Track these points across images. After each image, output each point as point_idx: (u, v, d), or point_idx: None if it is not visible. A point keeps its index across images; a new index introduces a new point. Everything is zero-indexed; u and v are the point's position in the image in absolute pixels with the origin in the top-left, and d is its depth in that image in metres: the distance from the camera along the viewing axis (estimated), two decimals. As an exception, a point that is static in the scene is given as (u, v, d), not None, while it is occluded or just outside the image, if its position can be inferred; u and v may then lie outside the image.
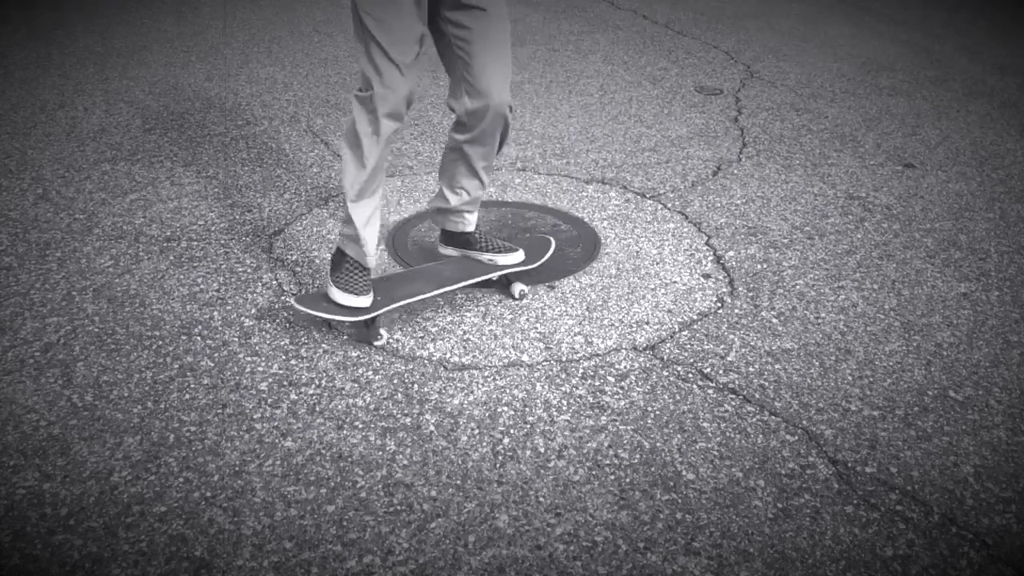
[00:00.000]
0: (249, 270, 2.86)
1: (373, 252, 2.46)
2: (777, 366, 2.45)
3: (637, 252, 3.04)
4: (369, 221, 2.43)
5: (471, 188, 2.60)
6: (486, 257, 2.70)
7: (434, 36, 2.39)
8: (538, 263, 2.76)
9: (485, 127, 2.42)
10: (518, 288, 2.74)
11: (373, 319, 2.48)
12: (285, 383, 2.33)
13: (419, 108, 4.33)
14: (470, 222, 2.69)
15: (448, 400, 2.28)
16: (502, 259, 2.70)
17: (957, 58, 5.38)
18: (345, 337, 2.52)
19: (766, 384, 2.38)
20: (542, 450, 2.12)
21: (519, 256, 2.71)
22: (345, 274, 2.45)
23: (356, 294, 2.43)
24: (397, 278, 2.64)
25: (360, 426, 2.19)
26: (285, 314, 2.63)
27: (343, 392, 2.30)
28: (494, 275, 2.70)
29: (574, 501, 1.98)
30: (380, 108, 2.26)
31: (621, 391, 2.34)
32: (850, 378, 2.42)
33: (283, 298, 2.71)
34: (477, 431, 2.18)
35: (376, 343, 2.48)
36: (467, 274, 2.65)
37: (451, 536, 1.88)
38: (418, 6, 2.25)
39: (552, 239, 2.89)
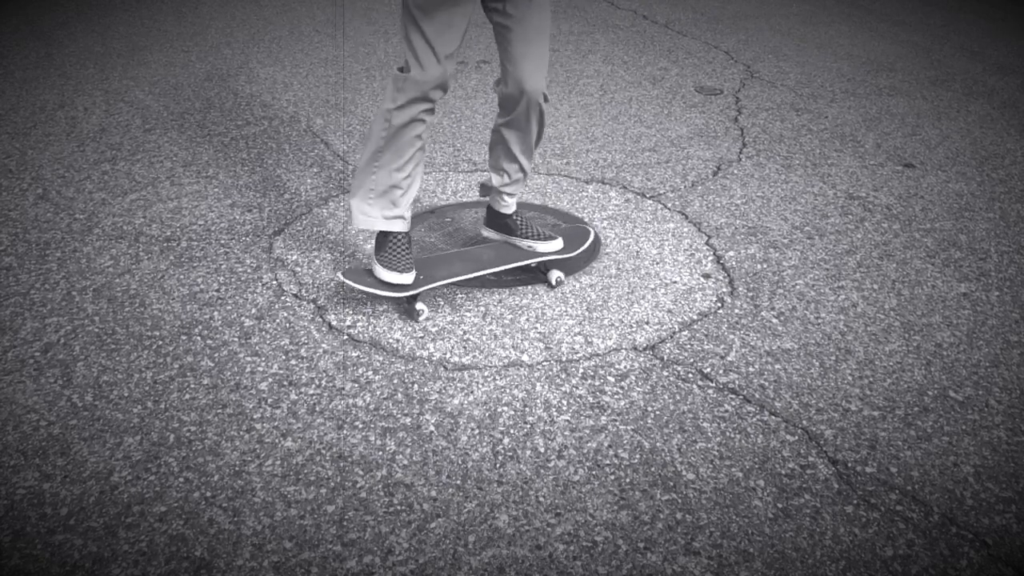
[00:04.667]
0: (249, 270, 2.86)
1: (397, 215, 2.58)
2: (777, 366, 2.45)
3: (637, 252, 3.04)
4: (390, 190, 2.53)
5: (511, 171, 2.70)
6: (526, 244, 2.79)
7: (490, 20, 2.51)
8: (576, 252, 2.81)
9: (519, 112, 2.52)
10: (555, 276, 2.79)
11: (415, 296, 2.60)
12: (285, 383, 2.33)
13: (419, 108, 4.33)
14: (509, 204, 2.77)
15: (448, 400, 2.28)
16: (541, 246, 2.78)
17: (957, 58, 5.39)
18: (345, 337, 2.52)
19: (766, 384, 2.38)
20: (542, 450, 2.12)
21: (557, 244, 2.79)
22: (389, 252, 2.57)
23: (399, 271, 2.55)
24: (439, 259, 2.72)
25: (360, 426, 2.19)
26: (285, 314, 2.63)
27: (343, 392, 2.30)
28: (532, 261, 2.76)
29: (574, 501, 1.98)
30: (410, 90, 2.38)
31: (621, 391, 2.34)
32: (850, 378, 2.42)
33: (283, 298, 2.71)
34: (477, 431, 2.18)
35: (420, 319, 2.58)
36: (506, 259, 2.74)
37: (451, 536, 1.88)
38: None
39: (591, 229, 2.95)
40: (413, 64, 2.36)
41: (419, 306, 2.60)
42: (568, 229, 2.96)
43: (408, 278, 2.55)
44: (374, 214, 2.56)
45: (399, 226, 2.57)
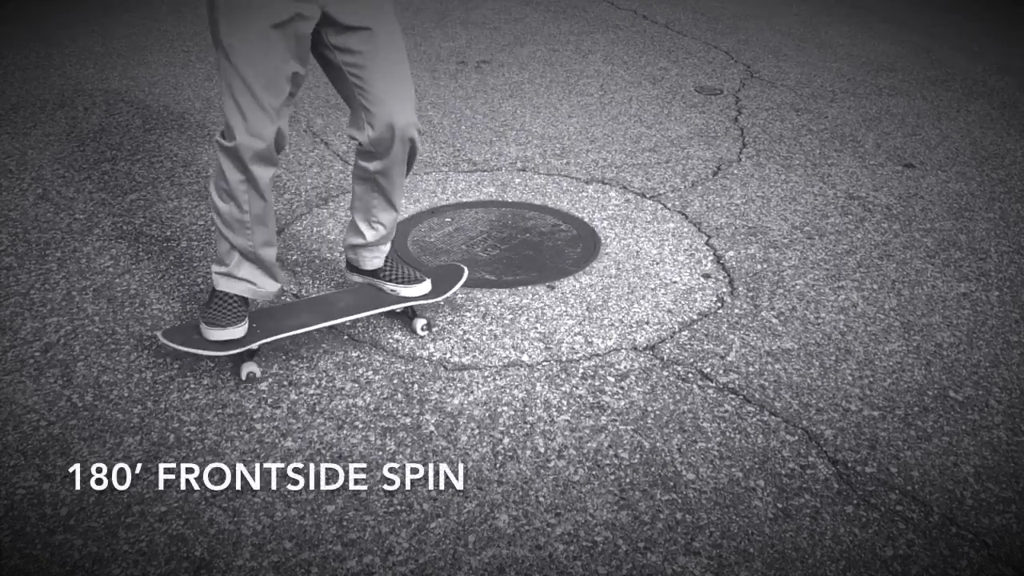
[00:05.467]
0: (249, 270, 2.86)
1: (273, 286, 2.38)
2: (777, 366, 2.45)
3: (637, 252, 3.04)
4: (250, 259, 2.31)
5: (387, 221, 2.45)
6: (389, 287, 2.51)
7: (323, 66, 2.23)
8: (444, 296, 2.54)
9: (395, 154, 2.27)
10: (420, 323, 2.52)
11: (251, 353, 2.33)
12: (285, 383, 2.33)
13: (420, 106, 4.33)
14: (383, 253, 2.52)
15: (448, 400, 2.28)
16: (405, 290, 2.50)
17: (957, 58, 5.39)
18: (346, 337, 2.52)
19: (766, 384, 2.38)
20: (542, 450, 2.12)
21: (424, 288, 2.51)
22: (214, 308, 2.30)
23: (223, 327, 2.26)
24: (283, 309, 2.48)
25: (360, 426, 2.19)
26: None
27: (343, 392, 2.30)
28: (397, 307, 2.53)
29: (574, 501, 1.98)
30: (247, 157, 2.09)
31: (621, 391, 2.34)
32: (850, 378, 2.42)
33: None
34: (477, 431, 2.18)
35: (243, 379, 2.31)
36: (364, 306, 2.47)
37: (451, 536, 1.88)
38: (296, 40, 2.08)
39: (465, 268, 2.64)
40: (238, 124, 2.04)
41: (249, 369, 2.30)
42: (441, 268, 2.71)
43: (236, 332, 2.26)
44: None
45: (223, 284, 2.31)
